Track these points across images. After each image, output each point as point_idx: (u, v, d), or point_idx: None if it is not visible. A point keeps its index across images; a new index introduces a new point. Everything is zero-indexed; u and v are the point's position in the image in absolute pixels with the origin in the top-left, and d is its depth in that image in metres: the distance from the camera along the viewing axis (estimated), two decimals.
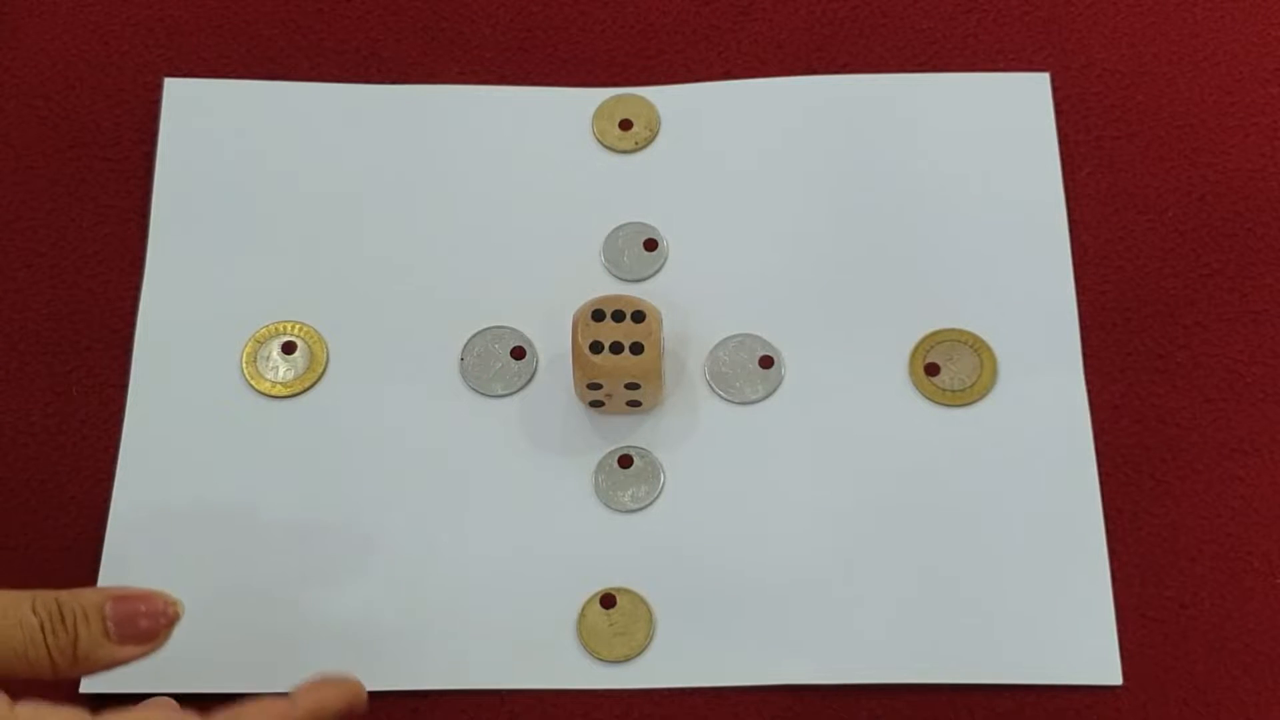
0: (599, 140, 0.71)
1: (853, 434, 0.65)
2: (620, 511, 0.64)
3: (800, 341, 0.66)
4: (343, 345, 0.67)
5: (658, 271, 0.68)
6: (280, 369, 0.66)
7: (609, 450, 0.65)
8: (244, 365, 0.66)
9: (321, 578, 0.63)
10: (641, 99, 0.71)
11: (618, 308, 0.63)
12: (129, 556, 0.63)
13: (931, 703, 0.61)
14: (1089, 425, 0.65)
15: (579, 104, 0.71)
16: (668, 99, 0.71)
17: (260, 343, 0.67)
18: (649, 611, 0.62)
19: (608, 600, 0.62)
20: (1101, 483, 0.64)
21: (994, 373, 0.65)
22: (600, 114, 0.71)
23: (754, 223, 0.69)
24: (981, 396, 0.65)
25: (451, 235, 0.69)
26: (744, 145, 0.70)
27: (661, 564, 0.63)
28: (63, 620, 0.52)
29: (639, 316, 0.63)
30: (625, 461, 0.64)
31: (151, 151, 0.70)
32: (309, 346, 0.67)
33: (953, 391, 0.65)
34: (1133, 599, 0.62)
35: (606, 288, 0.67)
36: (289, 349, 0.67)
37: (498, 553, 0.63)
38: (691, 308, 0.67)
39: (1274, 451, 0.64)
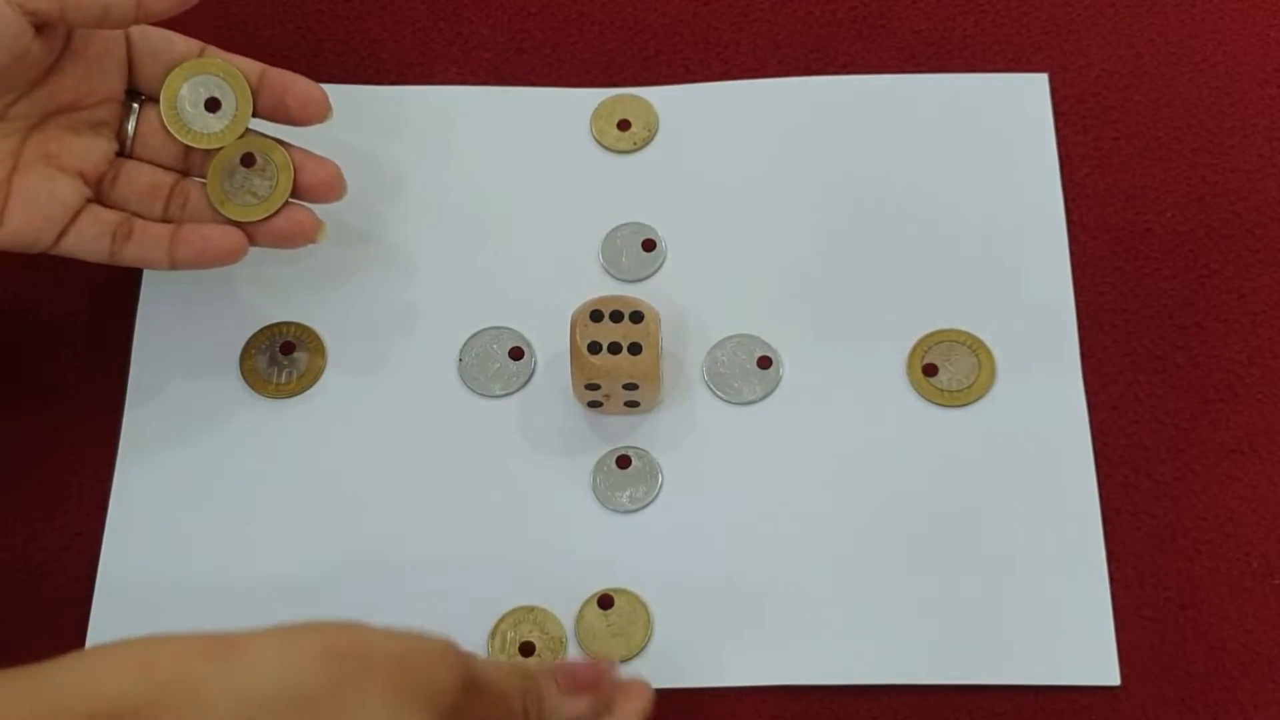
0: (597, 140, 0.70)
1: (851, 435, 0.65)
2: (618, 512, 0.64)
3: (798, 342, 0.66)
4: (342, 345, 0.67)
5: (656, 272, 0.68)
6: (278, 374, 0.67)
7: (607, 450, 0.65)
8: (243, 366, 0.67)
9: (320, 577, 0.63)
10: (640, 99, 0.71)
11: (616, 308, 0.63)
12: (128, 557, 0.63)
13: (930, 703, 0.61)
14: (1087, 425, 0.65)
15: (577, 104, 0.71)
16: (666, 99, 0.71)
17: (258, 341, 0.67)
18: (647, 612, 0.62)
19: (605, 601, 0.62)
20: (1100, 483, 0.64)
21: (992, 373, 0.65)
22: (598, 114, 0.71)
23: (752, 223, 0.69)
24: (980, 397, 0.65)
25: (450, 235, 0.69)
26: (743, 145, 0.70)
27: (659, 565, 0.63)
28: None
29: (637, 317, 0.63)
30: (623, 462, 0.64)
31: None
32: (308, 347, 0.67)
33: (951, 392, 0.65)
34: (1131, 599, 0.62)
35: (605, 288, 0.67)
36: (288, 349, 0.67)
37: (496, 553, 0.63)
38: (689, 308, 0.67)
39: (1272, 451, 0.64)
